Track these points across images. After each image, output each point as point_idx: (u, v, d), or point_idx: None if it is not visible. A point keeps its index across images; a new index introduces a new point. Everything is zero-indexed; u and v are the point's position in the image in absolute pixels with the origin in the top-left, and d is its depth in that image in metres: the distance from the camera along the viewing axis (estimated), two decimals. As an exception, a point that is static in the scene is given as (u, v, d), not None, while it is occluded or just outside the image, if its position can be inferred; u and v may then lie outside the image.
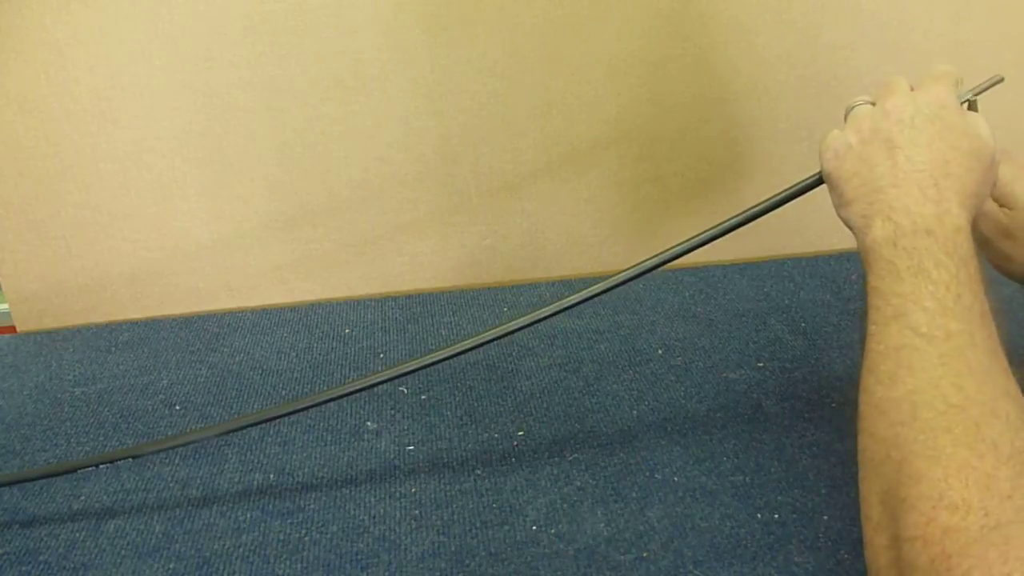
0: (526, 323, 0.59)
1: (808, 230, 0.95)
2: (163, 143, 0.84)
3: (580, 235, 0.94)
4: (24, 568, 0.57)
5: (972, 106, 0.54)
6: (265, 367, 0.80)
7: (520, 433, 0.68)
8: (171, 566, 0.57)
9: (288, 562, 0.56)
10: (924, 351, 0.43)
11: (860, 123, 0.52)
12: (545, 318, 0.59)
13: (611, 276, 0.59)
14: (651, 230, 0.95)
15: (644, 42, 0.86)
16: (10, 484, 0.64)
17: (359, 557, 0.57)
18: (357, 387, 0.61)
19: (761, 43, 0.87)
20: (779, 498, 0.60)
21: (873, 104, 0.53)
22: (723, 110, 0.90)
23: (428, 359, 0.60)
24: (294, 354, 0.82)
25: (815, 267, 0.93)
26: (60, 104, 0.81)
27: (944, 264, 0.45)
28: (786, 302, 0.86)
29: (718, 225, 0.58)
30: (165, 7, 0.79)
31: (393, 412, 0.71)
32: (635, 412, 0.70)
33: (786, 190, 0.57)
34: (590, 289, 0.59)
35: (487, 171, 0.90)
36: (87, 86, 0.81)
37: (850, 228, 0.52)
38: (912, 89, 0.53)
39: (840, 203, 0.52)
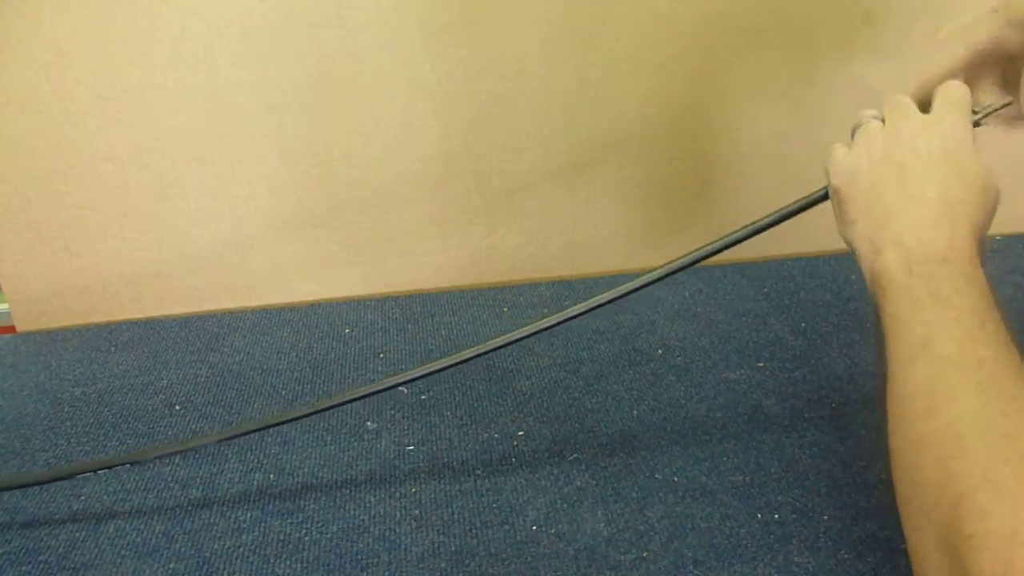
0: (527, 333, 0.60)
1: (808, 230, 0.94)
2: (163, 143, 0.84)
3: (580, 235, 0.94)
4: (24, 568, 0.57)
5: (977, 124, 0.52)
6: (265, 367, 0.80)
7: (520, 433, 0.68)
8: (171, 566, 0.57)
9: (288, 562, 0.56)
10: (959, 379, 0.41)
11: (871, 143, 0.51)
12: (547, 328, 0.60)
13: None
14: (651, 230, 0.95)
15: (644, 42, 0.86)
16: (11, 488, 0.64)
17: (359, 557, 0.57)
18: (362, 393, 0.61)
19: (761, 43, 0.87)
20: (779, 498, 0.60)
21: (883, 121, 0.52)
22: (723, 110, 0.90)
23: (439, 364, 0.60)
24: (294, 354, 0.82)
25: (815, 267, 0.93)
26: (60, 104, 0.81)
27: (964, 291, 0.44)
28: (786, 302, 0.86)
29: (722, 239, 0.58)
30: (165, 7, 0.79)
31: (393, 412, 0.71)
32: (635, 412, 0.70)
33: (792, 204, 0.56)
34: (592, 300, 0.60)
35: (487, 171, 0.90)
36: (87, 86, 0.81)
37: (853, 249, 0.51)
38: (922, 107, 0.51)
39: (844, 221, 0.51)
